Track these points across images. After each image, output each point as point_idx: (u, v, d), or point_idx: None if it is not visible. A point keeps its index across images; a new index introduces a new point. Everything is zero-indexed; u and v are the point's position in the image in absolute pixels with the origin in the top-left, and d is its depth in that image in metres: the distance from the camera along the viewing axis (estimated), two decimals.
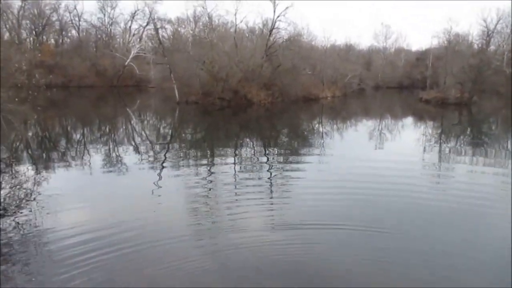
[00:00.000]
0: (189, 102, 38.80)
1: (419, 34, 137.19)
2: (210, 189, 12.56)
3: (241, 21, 61.17)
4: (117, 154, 17.77)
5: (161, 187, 12.46)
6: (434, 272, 7.45)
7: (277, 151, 19.83)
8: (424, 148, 21.29)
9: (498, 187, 13.32)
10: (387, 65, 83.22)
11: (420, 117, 39.18)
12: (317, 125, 31.01)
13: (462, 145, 23.15)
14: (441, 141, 24.35)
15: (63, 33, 67.79)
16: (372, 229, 9.28)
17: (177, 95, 38.94)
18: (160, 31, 49.79)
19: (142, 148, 19.33)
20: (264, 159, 17.71)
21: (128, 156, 17.15)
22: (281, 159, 17.96)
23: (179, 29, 60.77)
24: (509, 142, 24.77)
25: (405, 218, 10.27)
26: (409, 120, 37.50)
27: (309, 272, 7.46)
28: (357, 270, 7.57)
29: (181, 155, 18.04)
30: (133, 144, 20.50)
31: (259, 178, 14.05)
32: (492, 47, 63.46)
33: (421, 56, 78.17)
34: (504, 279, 7.13)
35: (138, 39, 70.50)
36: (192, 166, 15.75)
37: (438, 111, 42.61)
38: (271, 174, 14.70)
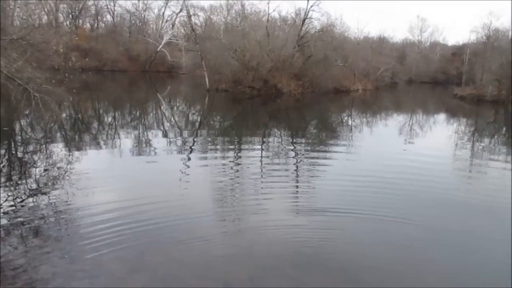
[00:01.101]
0: (219, 89, 39.01)
1: (457, 28, 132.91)
2: (236, 176, 12.67)
3: (273, 10, 61.26)
4: (147, 138, 18.11)
5: (188, 172, 12.62)
6: (456, 264, 7.52)
7: (305, 142, 19.76)
8: (456, 145, 20.81)
9: None
10: (421, 59, 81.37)
11: (453, 113, 38.21)
12: (346, 118, 30.67)
13: (496, 144, 22.48)
14: (474, 139, 23.70)
15: (98, 17, 69.13)
16: (397, 219, 9.29)
17: (207, 82, 39.24)
18: (192, 18, 50.04)
19: (171, 134, 19.61)
20: (292, 148, 17.69)
21: (157, 141, 17.45)
22: (308, 149, 17.89)
23: (211, 16, 61.05)
24: None
25: (431, 211, 10.17)
26: (441, 116, 36.62)
27: (329, 257, 7.58)
28: (380, 257, 7.64)
29: (209, 142, 18.21)
30: (162, 129, 20.82)
31: (286, 167, 14.09)
32: None
33: (458, 51, 75.93)
34: None
35: (171, 26, 71.19)
36: (219, 153, 15.91)
37: (473, 109, 41.44)
38: (297, 163, 14.73)
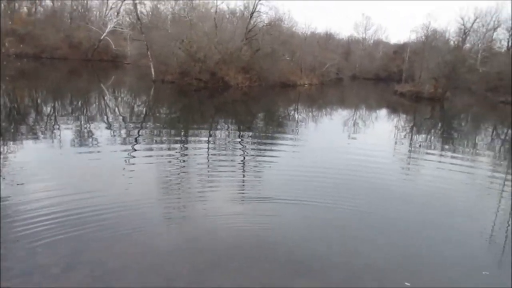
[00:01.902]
0: (165, 81, 38.22)
1: (398, 28, 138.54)
2: (182, 167, 12.52)
3: (222, 2, 60.46)
4: (89, 130, 17.37)
5: (132, 164, 12.29)
6: (393, 247, 7.96)
7: (252, 135, 19.84)
8: (396, 140, 21.70)
9: (463, 180, 13.73)
10: (365, 56, 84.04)
11: (394, 109, 39.84)
12: (293, 112, 31.12)
13: (432, 139, 23.73)
14: (413, 134, 24.87)
15: (37, 1, 65.31)
16: (337, 206, 9.80)
17: (153, 73, 38.29)
18: (138, 6, 48.62)
19: (115, 125, 18.96)
20: (238, 141, 17.72)
21: (100, 132, 16.79)
22: (255, 142, 18.00)
23: (158, 5, 59.53)
24: (477, 138, 25.51)
25: (370, 199, 10.67)
26: (383, 112, 38.11)
27: (273, 241, 7.75)
28: (319, 241, 7.98)
29: (155, 134, 17.81)
30: (106, 120, 20.07)
31: (232, 159, 14.17)
32: (467, 45, 64.77)
33: (399, 50, 79.19)
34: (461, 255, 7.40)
35: (116, 13, 68.59)
36: (165, 145, 15.61)
37: (412, 105, 43.39)
38: (244, 155, 14.82)
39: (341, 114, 32.02)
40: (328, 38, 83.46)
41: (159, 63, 38.63)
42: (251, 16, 44.11)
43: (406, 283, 6.54)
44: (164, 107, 27.92)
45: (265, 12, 44.77)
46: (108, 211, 8.33)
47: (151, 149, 14.56)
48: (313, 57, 56.67)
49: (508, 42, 63.99)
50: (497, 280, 7.03)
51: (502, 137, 27.83)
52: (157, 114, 24.46)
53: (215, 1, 44.39)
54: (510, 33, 62.36)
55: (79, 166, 11.67)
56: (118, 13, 68.16)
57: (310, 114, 31.11)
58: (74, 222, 7.68)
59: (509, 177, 15.15)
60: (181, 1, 50.92)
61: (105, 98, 29.77)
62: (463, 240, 8.58)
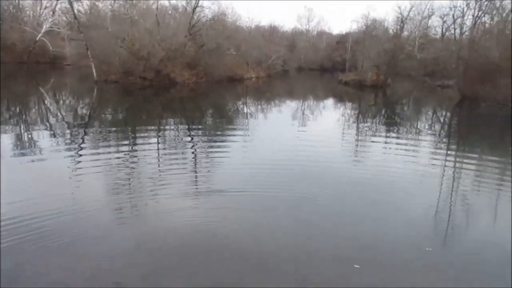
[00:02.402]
0: (108, 81, 37.01)
1: (340, 18, 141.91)
2: (132, 168, 12.20)
3: None
4: (30, 136, 16.49)
5: (78, 168, 11.78)
6: (343, 231, 8.24)
7: (202, 131, 19.68)
8: (343, 127, 22.27)
9: (408, 162, 14.32)
10: (309, 48, 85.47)
11: (340, 98, 40.89)
12: (241, 106, 31.14)
13: (377, 125, 24.59)
14: (359, 121, 25.63)
15: None
16: (288, 195, 10.03)
17: (95, 73, 36.92)
18: (75, 5, 46.65)
19: (57, 130, 18.11)
20: (188, 138, 17.51)
21: (42, 137, 15.98)
22: (205, 137, 17.89)
23: (96, 3, 57.39)
24: (419, 122, 26.71)
25: (320, 185, 10.98)
26: (330, 101, 39.01)
27: (225, 235, 7.78)
28: (270, 230, 8.13)
29: (101, 136, 17.19)
30: (48, 125, 19.14)
31: (183, 156, 14.09)
32: (405, 33, 67.38)
33: (341, 40, 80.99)
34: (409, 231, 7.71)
35: (51, 13, 65.46)
36: (112, 147, 15.08)
37: (356, 93, 44.71)
38: (195, 151, 14.72)
39: (289, 106, 32.41)
40: (272, 31, 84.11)
41: (101, 63, 37.31)
42: (193, 11, 43.58)
43: (356, 265, 6.72)
44: (109, 108, 27.05)
45: (208, 7, 44.64)
46: (53, 218, 7.94)
47: (97, 152, 13.99)
48: (258, 50, 56.88)
49: (442, 29, 67.30)
50: (438, 255, 7.35)
51: (442, 119, 29.32)
52: (102, 116, 23.65)
53: None
54: (443, 19, 65.58)
55: (21, 173, 11.07)
56: (53, 13, 65.05)
57: (259, 107, 31.26)
58: (15, 231, 7.25)
59: (450, 157, 15.99)
60: None
61: (45, 101, 28.39)
62: (409, 220, 8.92)
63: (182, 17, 46.52)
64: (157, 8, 42.84)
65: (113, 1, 52.78)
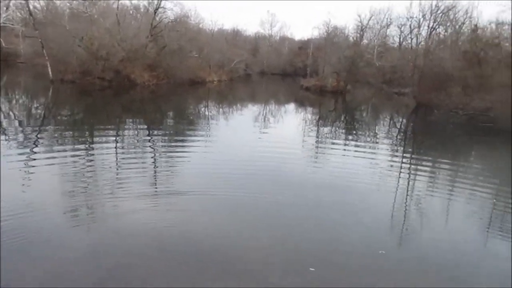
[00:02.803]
0: (65, 80, 35.82)
1: (302, 25, 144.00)
2: (88, 169, 11.89)
3: None
4: None
5: (32, 171, 11.30)
6: (300, 234, 8.29)
7: (162, 134, 19.38)
8: (304, 132, 22.56)
9: (366, 166, 14.66)
10: (272, 52, 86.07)
11: (301, 103, 41.40)
12: (203, 109, 30.95)
13: (337, 130, 25.07)
14: (319, 126, 26.05)
15: None
16: (247, 197, 10.09)
17: (50, 72, 35.64)
18: (31, 1, 44.87)
19: (9, 130, 17.32)
20: (148, 140, 17.20)
21: None
22: (166, 140, 17.65)
23: (54, 0, 55.49)
24: (376, 128, 27.45)
25: (280, 188, 11.11)
26: (291, 106, 39.44)
27: (178, 235, 7.82)
28: (226, 232, 8.16)
29: (57, 138, 16.55)
30: None
31: (142, 158, 13.82)
32: (365, 41, 69.20)
33: (303, 45, 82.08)
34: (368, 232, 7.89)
35: (5, 8, 62.72)
36: (69, 149, 14.52)
37: (317, 98, 45.41)
38: (154, 154, 14.50)
39: (251, 110, 32.51)
40: (235, 34, 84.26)
41: (57, 62, 36.06)
42: (155, 12, 42.98)
43: (311, 268, 6.80)
44: (65, 109, 26.15)
45: (170, 9, 44.13)
46: (4, 220, 7.57)
47: (52, 153, 13.42)
48: (221, 53, 56.79)
49: (400, 38, 69.54)
50: (391, 258, 7.55)
51: (398, 125, 30.26)
52: (58, 116, 22.82)
53: None
54: (401, 29, 67.84)
55: None
56: (7, 8, 62.33)
57: (221, 110, 31.19)
58: None
59: (405, 161, 16.52)
60: None
61: None
62: (366, 223, 9.13)
63: (143, 18, 45.73)
64: (117, 7, 41.98)
65: None
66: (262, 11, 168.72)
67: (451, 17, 39.84)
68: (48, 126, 19.16)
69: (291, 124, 25.39)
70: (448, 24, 40.44)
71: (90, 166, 12.47)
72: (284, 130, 22.80)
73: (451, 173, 14.83)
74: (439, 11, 39.88)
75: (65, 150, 14.24)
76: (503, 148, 20.94)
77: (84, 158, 13.26)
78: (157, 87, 39.13)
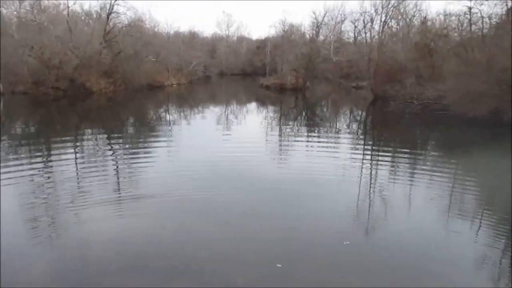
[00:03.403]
0: (16, 92, 34.44)
1: (259, 24, 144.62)
2: (48, 182, 11.47)
3: (74, 3, 56.23)
4: None
5: None
6: (266, 232, 8.33)
7: (123, 141, 18.96)
8: (266, 131, 22.67)
9: (329, 161, 14.89)
10: (230, 53, 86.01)
11: (262, 102, 41.57)
12: (164, 113, 30.54)
13: (299, 126, 25.34)
14: (281, 123, 26.24)
15: None
16: (210, 198, 10.14)
17: (0, 84, 34.18)
18: None
19: None
20: (109, 148, 16.80)
21: None
22: (127, 147, 17.32)
23: (0, 9, 53.17)
24: (337, 122, 27.95)
25: (244, 188, 11.18)
26: (252, 105, 39.55)
27: (150, 238, 7.83)
28: (192, 233, 8.22)
29: (11, 152, 15.83)
30: None
31: (103, 166, 13.49)
32: (321, 37, 70.27)
33: (261, 45, 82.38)
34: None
35: None
36: (25, 163, 13.86)
37: (277, 96, 45.74)
38: (116, 161, 14.16)
39: (213, 111, 32.36)
40: (192, 36, 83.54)
41: (7, 73, 34.60)
42: (108, 17, 42.05)
43: (278, 265, 6.83)
44: (18, 121, 25.11)
45: (123, 13, 43.09)
46: None
47: (8, 172, 12.71)
48: (178, 56, 56.23)
49: (354, 33, 71.11)
50: (355, 248, 7.67)
51: (358, 118, 30.94)
52: (12, 130, 21.85)
53: (67, 2, 41.22)
54: (355, 24, 69.44)
55: None
56: None
57: (182, 114, 30.87)
58: None
59: (367, 153, 16.90)
60: (27, 3, 46.24)
61: None
62: (331, 216, 9.27)
63: (96, 23, 44.57)
64: (68, 14, 40.82)
65: (18, 6, 49.31)
66: (218, 12, 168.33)
67: (402, 10, 40.99)
68: (1, 141, 18.32)
69: (253, 124, 25.44)
70: (399, 17, 41.59)
71: (49, 178, 12.03)
72: (247, 130, 22.83)
73: (410, 161, 15.29)
74: (390, 5, 40.93)
75: (21, 164, 13.63)
76: (457, 134, 21.83)
77: (42, 171, 12.79)
78: (114, 94, 38.29)
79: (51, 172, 12.81)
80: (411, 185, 12.04)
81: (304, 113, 32.88)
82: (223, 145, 17.59)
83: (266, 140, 19.28)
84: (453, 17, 33.42)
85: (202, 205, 9.60)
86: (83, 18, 48.19)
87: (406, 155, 16.44)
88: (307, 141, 19.27)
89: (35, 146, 17.33)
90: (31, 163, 13.81)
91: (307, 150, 17.01)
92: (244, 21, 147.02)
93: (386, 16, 41.67)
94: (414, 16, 40.96)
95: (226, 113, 30.97)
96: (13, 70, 34.68)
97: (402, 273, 6.90)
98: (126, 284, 6.22)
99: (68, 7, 41.20)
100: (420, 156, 16.45)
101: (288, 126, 24.95)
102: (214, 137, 19.81)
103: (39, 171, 12.80)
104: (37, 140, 18.75)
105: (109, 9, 42.04)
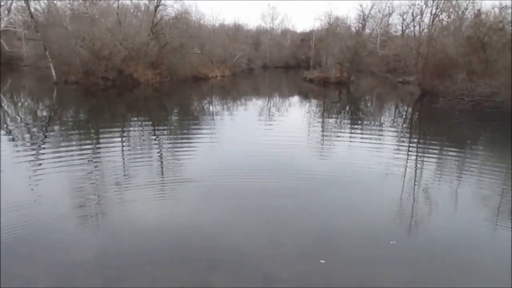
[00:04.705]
0: (69, 82, 35.95)
1: (303, 16, 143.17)
2: (96, 170, 11.89)
3: None
4: None
5: (40, 172, 11.34)
6: (310, 225, 8.26)
7: (167, 131, 19.39)
8: (309, 124, 22.49)
9: (372, 157, 14.59)
10: (274, 46, 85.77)
11: (305, 95, 41.28)
12: (207, 105, 30.93)
13: (342, 121, 24.97)
14: (324, 117, 25.96)
15: None
16: (258, 190, 10.20)
17: (54, 74, 35.77)
18: (32, 3, 44.94)
19: (16, 133, 17.45)
20: (154, 138, 17.23)
21: (0, 142, 15.33)
22: (171, 138, 17.67)
23: (55, 1, 55.55)
24: (381, 117, 27.31)
25: (291, 180, 11.12)
26: (295, 98, 39.31)
27: (192, 228, 7.86)
28: (239, 225, 8.26)
29: (63, 138, 16.64)
30: (6, 128, 18.39)
31: (149, 157, 13.77)
32: (367, 31, 68.83)
33: (305, 37, 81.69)
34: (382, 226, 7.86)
35: (6, 12, 62.90)
36: (75, 149, 14.55)
37: (321, 90, 45.25)
38: (161, 152, 14.49)
39: (255, 104, 32.44)
40: (237, 29, 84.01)
41: (61, 63, 36.17)
42: (156, 10, 42.94)
43: (321, 261, 6.78)
44: (70, 110, 26.26)
45: (171, 5, 44.20)
46: (17, 231, 7.63)
47: (59, 157, 13.36)
48: (223, 49, 56.71)
49: (402, 26, 69.09)
50: (403, 249, 7.49)
51: (403, 114, 30.10)
52: (64, 118, 22.91)
53: None
54: (403, 17, 67.38)
55: None
56: (9, 11, 62.52)
57: (225, 105, 31.15)
58: None
59: (412, 150, 16.43)
60: None
61: (2, 104, 27.31)
62: (374, 214, 9.09)
63: (144, 16, 45.69)
64: (118, 6, 42.00)
65: (72, 0, 51.31)
66: (263, 4, 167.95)
67: (454, 3, 39.33)
68: (54, 128, 19.25)
69: (296, 117, 25.32)
70: (450, 10, 39.91)
71: (98, 166, 12.50)
72: (289, 123, 22.71)
73: (458, 160, 14.75)
74: None
75: (71, 150, 14.30)
76: (510, 133, 20.79)
77: (91, 158, 13.30)
78: (160, 85, 39.17)
79: (99, 157, 13.32)
80: (459, 183, 11.62)
81: (347, 108, 32.37)
82: (265, 137, 17.63)
83: (309, 134, 19.16)
84: (509, 10, 31.73)
85: (241, 197, 9.70)
86: (132, 10, 49.50)
87: (454, 153, 15.86)
88: (350, 136, 18.97)
89: (85, 133, 18.08)
90: (81, 150, 14.44)
91: (350, 145, 16.76)
92: (289, 13, 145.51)
93: (436, 8, 40.11)
94: (466, 9, 39.20)
95: (269, 106, 30.98)
96: (66, 61, 36.20)
97: (446, 275, 6.69)
98: (167, 274, 6.39)
99: (118, 0, 42.38)
100: (468, 155, 15.81)
101: (331, 121, 24.64)
102: (256, 128, 19.93)
103: (88, 157, 13.34)
104: (87, 128, 19.52)
105: (157, 2, 42.93)
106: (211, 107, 29.31)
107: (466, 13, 38.96)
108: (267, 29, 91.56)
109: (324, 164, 13.50)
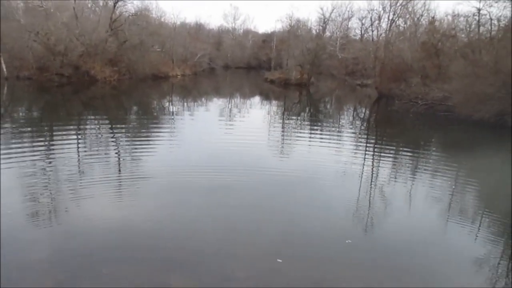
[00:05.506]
0: (21, 77, 34.49)
1: (265, 17, 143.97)
2: (50, 167, 11.46)
3: None
4: None
5: None
6: (267, 226, 8.22)
7: (125, 130, 18.96)
8: (270, 125, 22.60)
9: (331, 157, 14.84)
10: (236, 46, 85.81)
11: (266, 96, 41.52)
12: (167, 104, 30.51)
13: (302, 122, 25.27)
14: (284, 118, 26.18)
15: None
16: (217, 190, 10.09)
17: (4, 69, 34.17)
18: None
19: None
20: (111, 137, 16.79)
21: None
22: (129, 137, 17.24)
23: None
24: (340, 119, 27.88)
25: (249, 181, 11.14)
26: (256, 99, 39.45)
27: (149, 231, 7.53)
28: (196, 225, 8.05)
29: (14, 136, 15.89)
30: None
31: (106, 155, 13.40)
32: (327, 34, 70.05)
33: (267, 39, 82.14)
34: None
35: None
36: (27, 146, 13.95)
37: (281, 91, 45.63)
38: (118, 151, 14.12)
39: (216, 104, 32.30)
40: (198, 28, 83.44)
41: (12, 58, 34.63)
42: (115, 6, 41.94)
43: (278, 260, 6.81)
44: (22, 106, 25.17)
45: (131, 2, 43.10)
46: None
47: (10, 157, 12.67)
48: (184, 47, 56.12)
49: (361, 30, 70.84)
50: (357, 247, 7.61)
51: (361, 116, 30.85)
52: (15, 115, 21.92)
53: None
54: (362, 22, 69.12)
55: None
56: None
57: (185, 105, 30.82)
58: None
59: (369, 150, 16.85)
60: None
61: None
62: (332, 214, 9.21)
63: (102, 11, 44.48)
64: (74, 1, 40.66)
65: None
66: (225, 4, 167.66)
67: (410, 9, 40.72)
68: (5, 124, 18.35)
69: (256, 117, 25.41)
70: (407, 16, 41.33)
71: (51, 167, 12.02)
72: (250, 123, 22.76)
73: (412, 160, 15.25)
74: (398, 4, 40.76)
75: (23, 147, 13.68)
76: (461, 135, 21.74)
77: (44, 158, 12.76)
78: (118, 83, 38.27)
79: (52, 157, 12.81)
80: (413, 184, 12.01)
81: (307, 109, 32.82)
82: (226, 136, 17.61)
83: (269, 134, 19.25)
84: (462, 18, 33.15)
85: (198, 197, 9.55)
86: (89, 5, 48.06)
87: (408, 154, 16.40)
88: (310, 136, 19.23)
89: (38, 131, 17.36)
90: (33, 147, 13.86)
91: (309, 145, 16.98)
92: (251, 14, 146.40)
93: (394, 14, 41.55)
94: (422, 15, 40.70)
95: (230, 106, 30.92)
96: (18, 55, 34.71)
97: (401, 273, 6.88)
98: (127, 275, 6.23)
99: None
100: (422, 156, 16.40)
101: (291, 121, 24.88)
102: (217, 128, 19.84)
103: (41, 156, 12.81)
104: (40, 125, 18.78)
105: None
106: (171, 107, 28.93)
107: (422, 19, 40.44)
108: (229, 29, 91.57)
109: (284, 163, 13.61)
